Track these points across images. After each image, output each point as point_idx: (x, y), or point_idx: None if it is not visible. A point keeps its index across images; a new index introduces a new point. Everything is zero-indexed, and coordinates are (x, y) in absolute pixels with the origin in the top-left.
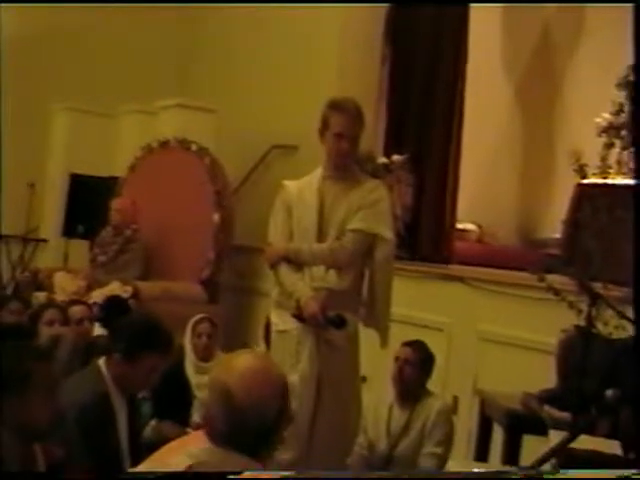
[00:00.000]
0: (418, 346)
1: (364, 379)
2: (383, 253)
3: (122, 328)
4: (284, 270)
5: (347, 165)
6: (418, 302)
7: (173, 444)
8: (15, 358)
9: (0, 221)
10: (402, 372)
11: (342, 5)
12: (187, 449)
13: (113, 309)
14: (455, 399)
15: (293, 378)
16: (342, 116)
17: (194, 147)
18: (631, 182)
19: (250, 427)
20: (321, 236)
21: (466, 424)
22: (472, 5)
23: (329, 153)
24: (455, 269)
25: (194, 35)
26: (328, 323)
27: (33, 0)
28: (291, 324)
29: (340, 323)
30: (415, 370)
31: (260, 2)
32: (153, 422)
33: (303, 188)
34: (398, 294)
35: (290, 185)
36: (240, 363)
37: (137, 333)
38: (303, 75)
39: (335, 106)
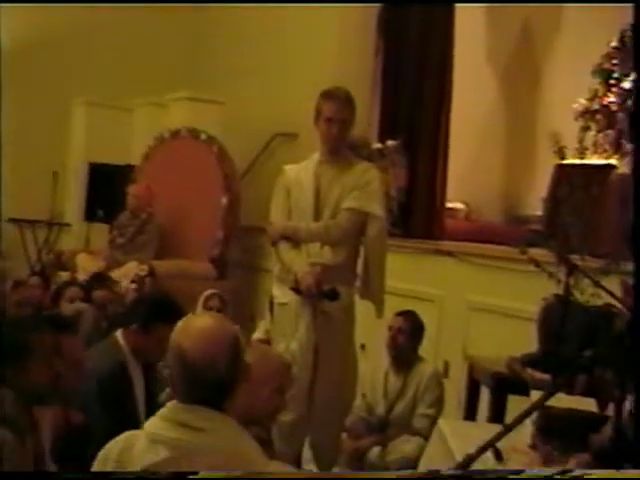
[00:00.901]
0: (409, 316)
1: (363, 347)
2: (375, 230)
3: (138, 303)
4: (283, 247)
5: (340, 149)
6: (411, 275)
7: None
8: (18, 330)
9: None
10: (395, 340)
11: (339, 5)
12: (161, 410)
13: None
14: (446, 364)
15: (293, 346)
16: (331, 102)
17: (203, 136)
18: (606, 162)
19: (203, 380)
20: (317, 215)
21: (456, 386)
22: (457, 5)
23: (323, 138)
24: (445, 244)
25: (202, 33)
26: (322, 296)
27: (43, 1)
28: (290, 297)
29: (333, 296)
30: (407, 338)
31: (264, 2)
32: (168, 389)
33: (301, 172)
34: (393, 268)
35: (289, 169)
36: (192, 323)
37: (151, 307)
38: (303, 68)
39: (326, 95)
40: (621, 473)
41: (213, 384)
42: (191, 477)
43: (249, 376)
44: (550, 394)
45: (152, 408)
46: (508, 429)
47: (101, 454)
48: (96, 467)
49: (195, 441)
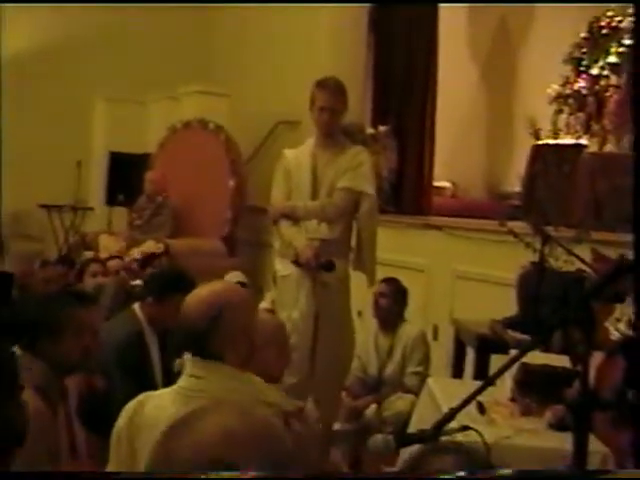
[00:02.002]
0: (391, 281)
1: (360, 314)
2: (367, 207)
3: (153, 277)
4: (284, 225)
5: (333, 134)
6: (403, 248)
7: None
8: (50, 306)
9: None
10: (377, 303)
11: (334, 5)
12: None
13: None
14: (435, 328)
15: (295, 314)
16: (323, 92)
17: (211, 126)
18: (577, 142)
19: (189, 331)
20: (314, 194)
21: (444, 348)
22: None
23: (316, 124)
24: (433, 219)
25: (209, 33)
26: (320, 267)
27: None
28: (291, 269)
29: (329, 267)
30: (389, 301)
31: (267, 2)
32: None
33: (299, 155)
34: (386, 241)
35: (288, 153)
36: (201, 287)
37: (165, 279)
38: (303, 62)
39: (319, 84)
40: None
41: (196, 335)
42: (204, 477)
43: (246, 338)
44: (526, 350)
45: (167, 372)
46: (488, 383)
47: (121, 414)
48: (116, 425)
49: (196, 388)
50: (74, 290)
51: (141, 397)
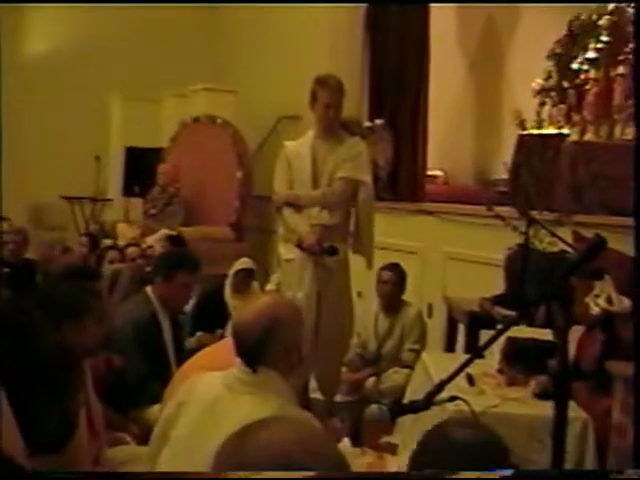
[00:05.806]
0: (393, 268)
1: (359, 294)
2: (365, 194)
3: (160, 258)
4: (288, 212)
5: (334, 127)
6: (399, 232)
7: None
8: (75, 295)
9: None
10: (382, 290)
11: (332, 5)
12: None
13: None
14: (429, 306)
15: (299, 295)
16: (327, 90)
17: (219, 121)
18: (559, 132)
19: (240, 342)
20: (315, 183)
21: (438, 324)
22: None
23: (319, 119)
24: (427, 206)
25: (216, 35)
26: (323, 252)
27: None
28: (295, 253)
29: (332, 252)
30: (392, 287)
31: (270, 2)
32: (199, 333)
33: (299, 147)
34: (384, 226)
35: (289, 144)
36: (253, 300)
37: (171, 258)
38: (303, 61)
39: (321, 82)
40: None
41: (247, 347)
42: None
43: (295, 349)
44: (509, 325)
45: (179, 351)
46: (475, 356)
47: (181, 387)
48: (177, 394)
49: (244, 379)
50: (78, 267)
51: (194, 377)
